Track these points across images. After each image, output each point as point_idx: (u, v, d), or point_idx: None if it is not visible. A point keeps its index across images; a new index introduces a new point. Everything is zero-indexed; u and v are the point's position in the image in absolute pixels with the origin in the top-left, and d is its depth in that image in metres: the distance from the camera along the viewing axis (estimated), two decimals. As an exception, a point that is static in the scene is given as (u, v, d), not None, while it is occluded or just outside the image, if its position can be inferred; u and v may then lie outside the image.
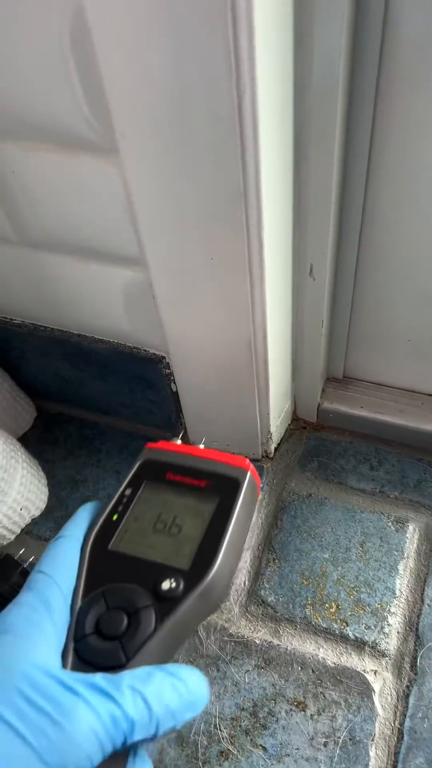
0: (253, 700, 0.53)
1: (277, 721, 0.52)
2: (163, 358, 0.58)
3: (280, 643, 0.56)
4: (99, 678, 0.29)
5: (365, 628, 0.56)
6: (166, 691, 0.30)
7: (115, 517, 0.38)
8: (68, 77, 0.38)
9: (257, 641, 0.56)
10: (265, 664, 0.55)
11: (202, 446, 0.44)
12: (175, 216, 0.43)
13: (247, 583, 0.60)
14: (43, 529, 0.65)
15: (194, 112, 0.36)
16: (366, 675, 0.54)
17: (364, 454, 0.67)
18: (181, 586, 0.34)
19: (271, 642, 0.56)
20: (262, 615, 0.58)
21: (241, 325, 0.49)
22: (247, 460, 0.42)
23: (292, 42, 0.38)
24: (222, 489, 0.39)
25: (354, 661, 0.54)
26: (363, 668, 0.54)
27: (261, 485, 0.52)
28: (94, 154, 0.42)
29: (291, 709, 0.53)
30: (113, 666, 0.31)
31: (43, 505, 0.65)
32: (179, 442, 0.45)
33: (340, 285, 0.56)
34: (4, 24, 0.37)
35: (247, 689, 0.54)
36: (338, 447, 0.67)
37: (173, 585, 0.34)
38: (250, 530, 0.53)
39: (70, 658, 0.32)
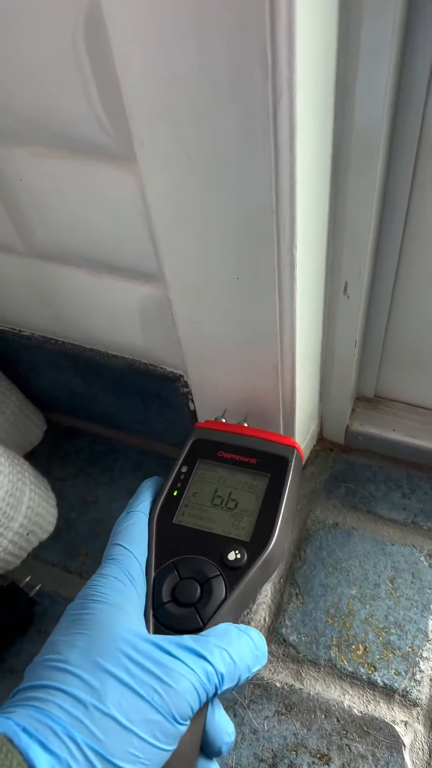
0: (272, 750, 0.50)
1: (298, 774, 0.48)
2: (181, 376, 0.54)
3: (302, 687, 0.52)
4: (187, 639, 0.33)
5: (395, 673, 0.52)
6: (243, 647, 0.35)
7: (175, 493, 0.42)
8: (82, 77, 0.34)
9: (278, 684, 0.52)
10: (286, 711, 0.51)
11: (246, 424, 0.47)
12: (197, 231, 0.38)
13: (267, 619, 0.56)
14: (51, 554, 0.61)
15: (222, 120, 0.31)
16: (395, 726, 0.50)
17: (396, 480, 0.62)
18: (245, 556, 0.38)
19: (292, 686, 0.52)
20: (283, 655, 0.54)
21: (267, 349, 0.45)
22: (292, 438, 0.45)
23: (336, 40, 0.33)
24: (272, 466, 0.43)
25: (382, 710, 0.50)
26: (392, 719, 0.50)
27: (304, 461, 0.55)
28: (109, 162, 0.38)
29: (314, 762, 0.49)
30: (191, 630, 0.35)
31: (51, 528, 0.62)
32: (224, 420, 0.48)
33: (375, 302, 0.52)
34: (13, 19, 0.33)
35: (267, 738, 0.50)
36: (367, 472, 0.63)
37: (238, 556, 0.38)
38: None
39: (151, 624, 0.35)
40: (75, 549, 0.61)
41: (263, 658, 0.36)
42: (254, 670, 0.35)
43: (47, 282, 0.51)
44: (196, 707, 0.32)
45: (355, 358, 0.54)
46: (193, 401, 0.56)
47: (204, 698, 0.32)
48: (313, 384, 0.56)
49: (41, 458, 0.68)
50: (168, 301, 0.46)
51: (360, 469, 0.63)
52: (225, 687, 0.33)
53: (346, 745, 0.49)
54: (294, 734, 0.50)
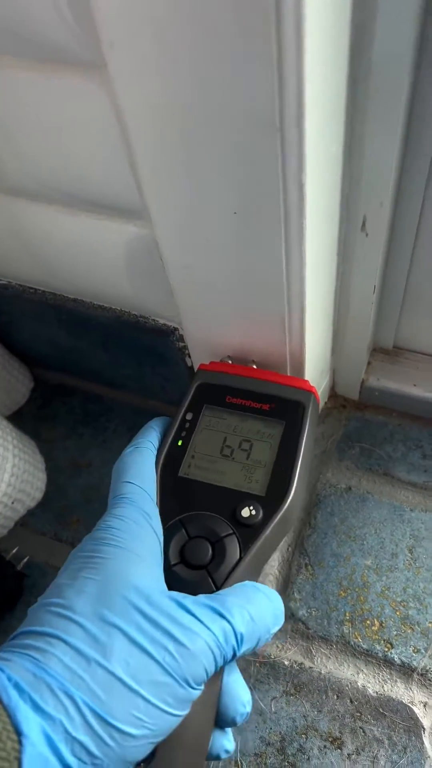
0: (280, 733, 0.46)
1: (308, 759, 0.45)
2: (176, 329, 0.48)
3: (312, 666, 0.48)
4: (203, 598, 0.31)
5: (413, 651, 0.47)
6: (262, 605, 0.32)
7: (180, 443, 0.39)
8: None
9: (286, 662, 0.48)
10: (295, 691, 0.47)
11: (254, 366, 0.43)
12: (184, 155, 0.32)
13: (274, 592, 0.51)
14: (40, 522, 0.57)
15: (209, 10, 0.24)
16: (414, 708, 0.46)
17: (415, 439, 0.56)
18: (261, 512, 0.35)
19: (302, 664, 0.48)
20: (292, 631, 0.50)
21: (272, 298, 0.39)
22: (308, 382, 0.41)
23: None
24: (287, 412, 0.39)
25: (400, 690, 0.46)
26: (410, 700, 0.46)
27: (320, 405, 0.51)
28: (74, 70, 0.31)
29: (325, 746, 0.45)
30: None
31: (40, 495, 0.57)
32: (230, 361, 0.44)
33: (397, 240, 0.45)
34: None
35: (274, 720, 0.46)
36: (384, 430, 0.57)
37: (253, 512, 0.35)
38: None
39: None
40: (66, 516, 0.57)
41: (281, 617, 0.33)
42: (273, 631, 0.33)
43: (19, 222, 0.44)
44: (212, 670, 0.30)
45: (373, 305, 0.48)
46: (190, 356, 0.51)
47: (221, 661, 0.30)
48: (326, 336, 0.49)
49: (28, 418, 0.63)
50: (156, 242, 0.39)
51: (376, 428, 0.58)
52: (244, 649, 0.31)
53: (360, 727, 0.45)
54: (304, 716, 0.46)
